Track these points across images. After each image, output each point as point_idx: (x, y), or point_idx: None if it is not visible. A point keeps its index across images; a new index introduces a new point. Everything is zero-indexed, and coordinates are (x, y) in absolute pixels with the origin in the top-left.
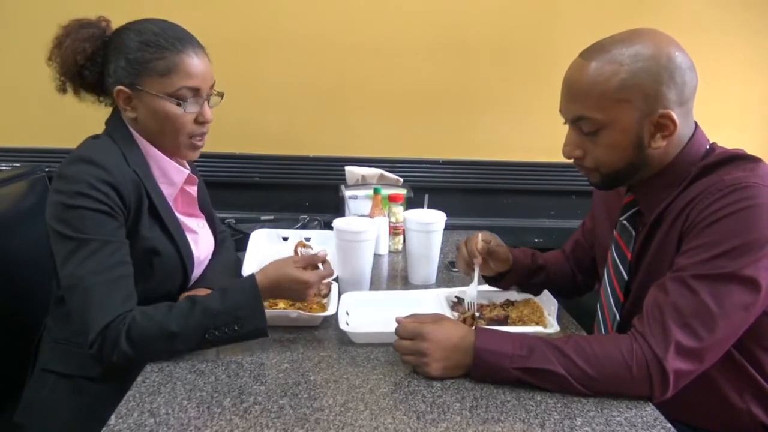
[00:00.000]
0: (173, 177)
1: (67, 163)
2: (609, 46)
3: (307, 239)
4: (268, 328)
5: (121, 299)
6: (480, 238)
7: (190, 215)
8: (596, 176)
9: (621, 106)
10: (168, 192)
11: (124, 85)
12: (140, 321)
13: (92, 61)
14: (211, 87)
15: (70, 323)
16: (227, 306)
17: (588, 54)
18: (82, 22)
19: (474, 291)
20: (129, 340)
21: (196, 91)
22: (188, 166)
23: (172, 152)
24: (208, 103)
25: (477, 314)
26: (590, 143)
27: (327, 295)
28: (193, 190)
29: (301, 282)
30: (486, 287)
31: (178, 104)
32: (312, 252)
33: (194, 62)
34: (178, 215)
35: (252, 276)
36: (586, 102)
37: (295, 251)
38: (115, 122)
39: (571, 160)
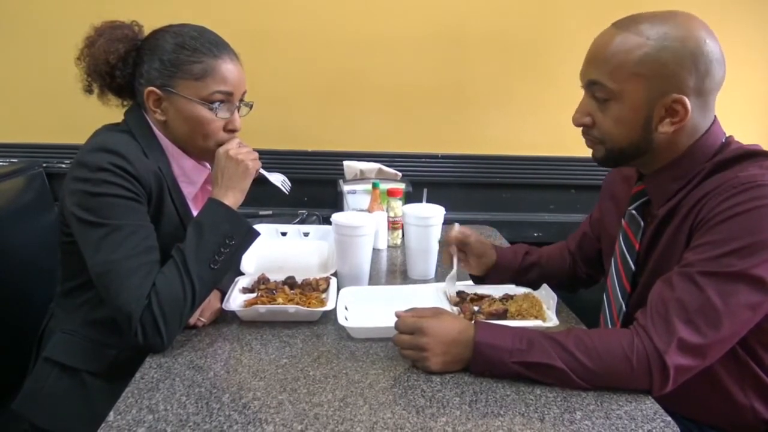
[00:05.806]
0: (194, 176)
1: (86, 151)
2: (641, 20)
3: (306, 234)
4: (267, 324)
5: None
6: (456, 229)
7: None
8: (600, 150)
9: (636, 80)
10: (188, 191)
11: (156, 87)
12: (164, 303)
13: (124, 61)
14: (243, 95)
15: (80, 314)
16: (209, 233)
17: (619, 24)
18: (115, 24)
19: (452, 281)
20: (164, 320)
21: (228, 96)
22: (209, 165)
23: (198, 158)
24: (238, 111)
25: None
26: (600, 113)
27: (326, 290)
28: None
29: (241, 160)
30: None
31: (210, 108)
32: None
33: (230, 68)
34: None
35: (208, 199)
36: (604, 68)
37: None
38: (136, 119)
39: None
